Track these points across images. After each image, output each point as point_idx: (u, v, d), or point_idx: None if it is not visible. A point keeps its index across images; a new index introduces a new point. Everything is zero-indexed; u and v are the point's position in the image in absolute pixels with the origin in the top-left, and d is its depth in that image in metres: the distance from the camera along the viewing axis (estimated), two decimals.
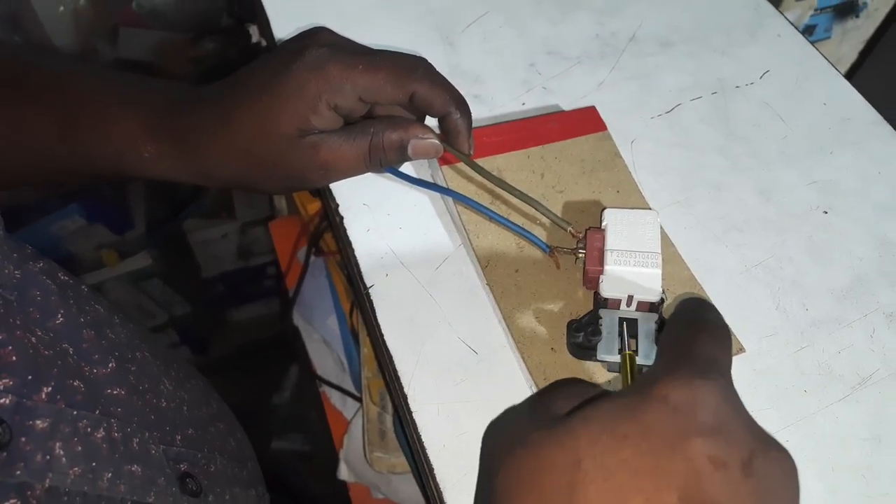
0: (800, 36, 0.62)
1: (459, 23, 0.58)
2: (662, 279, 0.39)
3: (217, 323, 1.51)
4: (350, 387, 0.74)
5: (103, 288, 1.22)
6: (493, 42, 0.57)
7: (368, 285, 0.44)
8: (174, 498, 0.30)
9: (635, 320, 0.39)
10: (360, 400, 0.68)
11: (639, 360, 0.38)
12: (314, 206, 0.79)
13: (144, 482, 0.28)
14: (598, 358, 0.39)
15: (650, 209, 0.42)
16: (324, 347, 0.79)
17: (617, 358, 0.38)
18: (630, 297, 0.39)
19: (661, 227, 0.43)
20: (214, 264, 1.40)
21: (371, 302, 0.43)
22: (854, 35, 1.25)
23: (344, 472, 0.72)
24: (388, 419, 0.61)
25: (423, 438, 0.39)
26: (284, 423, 1.35)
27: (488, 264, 0.43)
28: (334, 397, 0.78)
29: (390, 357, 0.42)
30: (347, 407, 0.76)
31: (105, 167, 0.40)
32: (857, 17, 1.23)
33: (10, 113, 0.39)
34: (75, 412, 0.27)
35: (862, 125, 0.56)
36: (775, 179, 0.52)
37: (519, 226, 0.43)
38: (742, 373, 0.42)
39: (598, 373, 0.40)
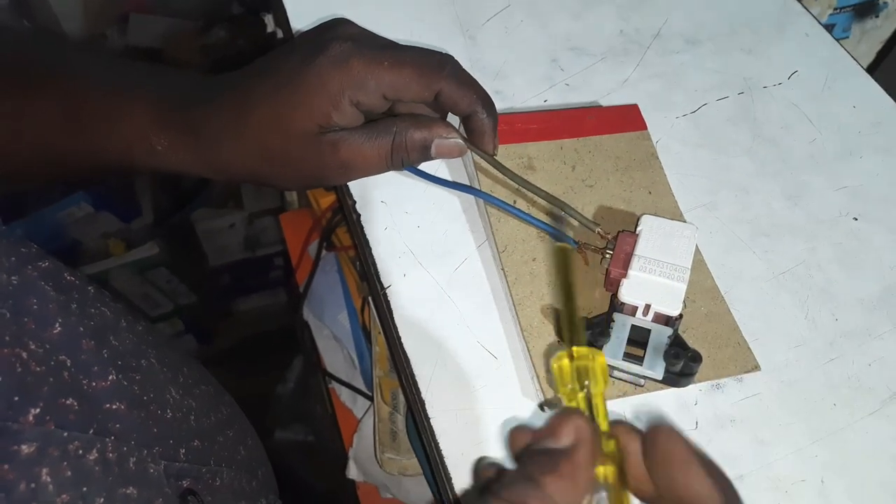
0: (828, 35, 0.61)
1: (480, 16, 0.56)
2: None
3: (223, 313, 1.50)
4: (360, 385, 0.73)
5: (109, 277, 1.22)
6: (514, 36, 0.55)
7: (385, 285, 0.43)
8: None
9: (648, 331, 0.38)
10: (370, 398, 0.67)
11: (643, 373, 0.37)
12: (327, 200, 0.77)
13: None
14: None
15: (690, 223, 0.41)
16: (334, 344, 0.78)
17: (620, 363, 0.37)
18: (647, 307, 0.38)
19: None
20: (221, 254, 1.39)
21: (388, 302, 0.42)
22: (873, 35, 1.23)
23: (353, 472, 0.71)
24: (400, 419, 0.60)
25: (441, 446, 0.38)
26: (289, 414, 1.34)
27: (506, 249, 0.42)
28: (344, 394, 0.77)
29: (407, 360, 0.41)
30: (357, 405, 0.75)
31: (113, 161, 0.39)
32: (877, 17, 1.21)
33: (13, 103, 0.38)
34: (66, 433, 0.25)
35: (893, 129, 0.54)
36: (804, 184, 0.50)
37: (545, 222, 0.42)
38: (769, 385, 0.41)
39: None
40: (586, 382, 0.27)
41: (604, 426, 0.26)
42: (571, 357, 0.28)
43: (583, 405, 0.27)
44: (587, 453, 0.24)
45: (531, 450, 0.25)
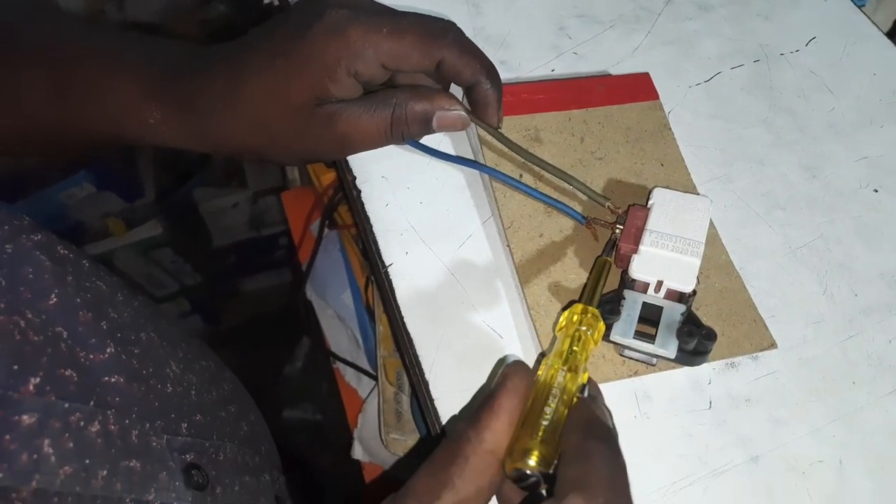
0: (847, 0, 0.58)
1: None
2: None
3: (228, 293, 1.49)
4: (365, 364, 0.72)
5: (112, 257, 1.21)
6: (520, 3, 0.53)
7: (387, 264, 0.41)
8: (177, 493, 0.28)
9: (660, 308, 0.37)
10: (375, 378, 0.66)
11: (655, 352, 0.36)
12: (328, 177, 0.76)
13: (144, 478, 0.26)
14: (611, 339, 0.36)
15: (703, 196, 0.39)
16: (338, 323, 0.77)
17: (631, 342, 0.36)
18: (659, 283, 0.37)
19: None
20: (226, 234, 1.38)
21: (390, 281, 0.41)
22: (890, 3, 1.20)
23: (358, 452, 0.70)
24: (405, 400, 0.59)
25: (446, 428, 0.37)
26: (296, 393, 1.34)
27: (512, 225, 0.41)
28: (348, 374, 0.76)
29: (410, 341, 0.39)
30: (362, 385, 0.74)
31: (104, 134, 0.37)
32: None
33: None
34: (67, 405, 0.24)
35: None
36: (822, 154, 0.48)
37: (553, 198, 0.40)
38: (786, 363, 0.40)
39: (609, 352, 0.38)
40: (581, 327, 0.33)
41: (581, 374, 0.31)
42: (586, 312, 0.33)
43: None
44: (510, 393, 0.28)
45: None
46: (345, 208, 0.74)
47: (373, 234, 0.42)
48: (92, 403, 0.26)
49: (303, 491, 0.50)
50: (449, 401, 0.37)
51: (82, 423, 0.25)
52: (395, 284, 0.41)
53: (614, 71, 0.50)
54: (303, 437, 1.28)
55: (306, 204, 0.84)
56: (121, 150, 1.10)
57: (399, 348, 0.45)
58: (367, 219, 0.43)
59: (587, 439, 0.27)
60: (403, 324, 0.40)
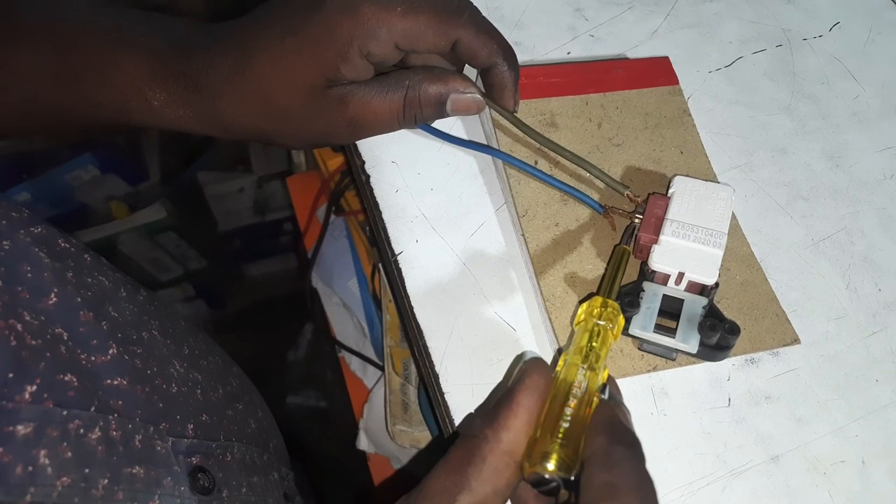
0: None
1: None
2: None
3: (233, 278, 1.49)
4: (371, 354, 0.71)
5: (117, 241, 1.20)
6: None
7: (397, 252, 0.40)
8: (182, 498, 0.27)
9: (681, 301, 0.36)
10: (381, 368, 0.65)
11: (676, 346, 0.35)
12: (335, 162, 0.74)
13: (147, 485, 0.25)
14: (630, 332, 0.35)
15: (726, 184, 0.38)
16: (343, 311, 0.76)
17: (651, 336, 0.35)
18: (681, 275, 0.36)
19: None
20: (230, 218, 1.37)
21: (399, 270, 0.40)
22: None
23: (364, 443, 0.69)
24: (412, 391, 0.58)
25: (456, 422, 0.36)
26: (300, 380, 1.34)
27: (526, 213, 0.39)
28: (354, 363, 0.75)
29: (420, 331, 0.38)
30: (368, 375, 0.73)
31: (108, 116, 0.36)
32: None
33: None
34: (65, 412, 0.23)
35: None
36: (846, 143, 0.47)
37: (570, 185, 0.39)
38: (807, 359, 0.38)
39: (627, 346, 0.37)
40: (601, 322, 0.32)
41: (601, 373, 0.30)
42: (605, 306, 0.32)
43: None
44: (529, 391, 0.27)
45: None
46: (352, 194, 0.73)
47: (382, 221, 0.41)
48: (93, 408, 0.25)
49: (308, 480, 0.49)
50: (460, 395, 0.36)
51: (82, 431, 0.24)
52: (404, 273, 0.40)
53: (632, 54, 0.48)
54: (307, 424, 1.28)
55: (312, 189, 0.83)
56: (127, 131, 1.09)
57: (408, 339, 0.44)
58: (377, 205, 0.42)
59: (612, 444, 0.26)
60: (413, 315, 0.39)
